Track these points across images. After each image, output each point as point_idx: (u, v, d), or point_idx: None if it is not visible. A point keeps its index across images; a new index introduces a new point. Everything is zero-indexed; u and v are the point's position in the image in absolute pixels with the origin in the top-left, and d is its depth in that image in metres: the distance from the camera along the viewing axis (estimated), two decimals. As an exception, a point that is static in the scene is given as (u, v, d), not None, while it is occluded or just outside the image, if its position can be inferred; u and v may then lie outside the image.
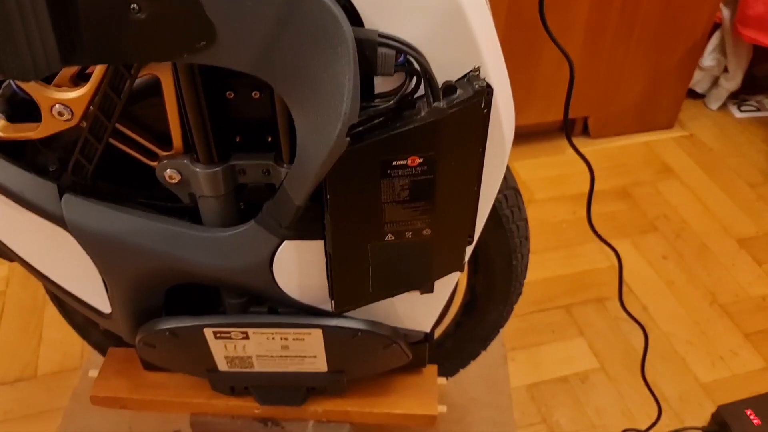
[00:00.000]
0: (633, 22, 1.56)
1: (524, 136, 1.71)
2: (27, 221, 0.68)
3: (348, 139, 0.53)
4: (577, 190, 1.59)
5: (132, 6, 0.50)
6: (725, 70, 1.83)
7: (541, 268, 1.39)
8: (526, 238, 0.79)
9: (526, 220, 0.78)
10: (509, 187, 0.75)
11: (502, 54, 0.61)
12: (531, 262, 1.40)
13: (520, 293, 0.86)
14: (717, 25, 1.74)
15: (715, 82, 1.88)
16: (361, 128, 0.55)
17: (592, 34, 1.55)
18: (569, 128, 0.78)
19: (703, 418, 1.14)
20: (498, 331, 0.90)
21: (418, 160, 0.58)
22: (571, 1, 1.46)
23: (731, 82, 1.83)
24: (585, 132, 1.77)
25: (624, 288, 1.35)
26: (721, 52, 1.79)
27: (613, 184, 1.62)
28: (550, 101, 1.63)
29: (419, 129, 0.56)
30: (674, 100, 1.77)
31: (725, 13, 1.72)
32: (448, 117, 0.56)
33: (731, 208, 1.57)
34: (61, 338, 1.20)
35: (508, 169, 0.75)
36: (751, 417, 1.08)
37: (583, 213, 1.50)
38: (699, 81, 1.87)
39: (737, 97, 1.91)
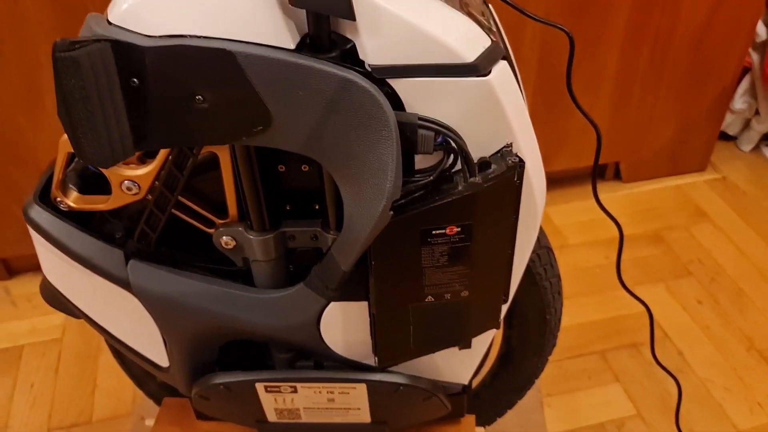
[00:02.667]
0: (662, 68, 1.60)
1: (556, 181, 1.74)
2: (94, 283, 0.73)
3: (391, 212, 0.58)
4: (609, 234, 1.61)
5: (197, 97, 0.56)
6: (756, 112, 1.84)
7: (575, 314, 1.41)
8: (559, 294, 0.83)
9: (558, 277, 0.82)
10: (542, 247, 0.79)
11: (531, 127, 0.65)
12: (564, 307, 1.42)
13: (554, 345, 0.89)
14: (746, 69, 1.77)
15: (746, 125, 1.89)
16: (403, 201, 0.60)
17: (621, 80, 1.58)
18: (596, 186, 0.82)
19: (742, 466, 1.14)
20: (533, 382, 0.92)
21: (456, 229, 0.62)
22: (600, 49, 1.51)
23: (763, 125, 1.85)
24: (617, 176, 1.79)
25: (659, 333, 1.37)
26: (751, 96, 1.81)
27: (645, 228, 1.64)
28: (581, 147, 1.66)
29: (457, 201, 0.60)
30: (706, 143, 1.79)
31: (754, 57, 1.74)
32: (483, 190, 0.60)
33: (766, 251, 1.57)
34: (114, 385, 1.26)
35: (540, 229, 0.78)
36: (791, 465, 1.08)
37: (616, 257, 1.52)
38: (730, 123, 1.89)
39: (770, 139, 1.92)
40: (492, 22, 0.70)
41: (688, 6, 1.50)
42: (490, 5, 0.72)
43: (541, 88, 1.54)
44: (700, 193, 1.77)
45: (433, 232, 0.62)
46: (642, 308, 1.20)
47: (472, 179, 0.59)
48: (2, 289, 1.47)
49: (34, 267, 1.43)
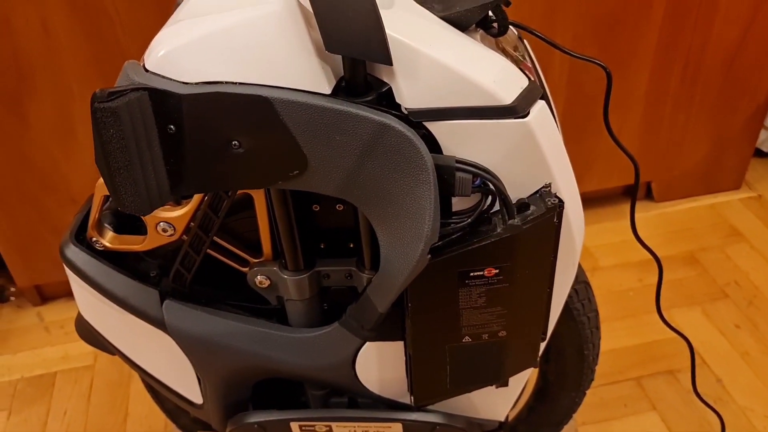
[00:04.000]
0: (694, 87, 1.57)
1: (587, 201, 1.71)
2: (128, 322, 0.73)
3: (429, 256, 0.57)
4: (642, 256, 1.57)
5: (233, 143, 0.55)
6: (791, 129, 1.81)
7: (609, 339, 1.39)
8: (597, 328, 0.81)
9: (596, 311, 0.80)
10: (579, 281, 0.77)
11: (569, 164, 0.64)
12: (599, 332, 1.40)
13: (592, 380, 0.87)
14: (780, 86, 1.73)
15: (781, 141, 1.86)
16: (440, 243, 0.59)
17: (652, 99, 1.56)
18: (635, 223, 0.80)
19: (786, 499, 1.11)
20: (570, 417, 0.91)
21: (494, 271, 0.61)
22: (630, 68, 1.49)
23: (798, 141, 1.81)
24: (648, 195, 1.77)
25: (696, 359, 1.33)
26: (786, 112, 1.77)
27: (679, 249, 1.61)
28: (611, 168, 1.64)
29: (495, 243, 0.59)
30: (740, 161, 1.76)
31: (788, 73, 1.71)
32: (522, 232, 0.59)
33: (805, 272, 1.53)
34: (146, 412, 1.26)
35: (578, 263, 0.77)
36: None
37: (650, 280, 1.49)
38: (765, 140, 1.85)
39: (806, 155, 1.88)
40: (527, 56, 0.69)
41: (720, 24, 1.48)
42: (524, 40, 0.71)
43: (570, 109, 1.52)
44: (735, 212, 1.73)
45: (471, 273, 0.61)
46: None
47: (510, 221, 0.58)
48: (36, 315, 1.49)
49: (67, 293, 1.44)
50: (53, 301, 1.51)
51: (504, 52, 0.65)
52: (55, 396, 1.32)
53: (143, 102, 0.53)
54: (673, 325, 1.17)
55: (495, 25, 0.61)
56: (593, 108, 1.53)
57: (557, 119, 0.70)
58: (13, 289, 1.49)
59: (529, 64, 0.68)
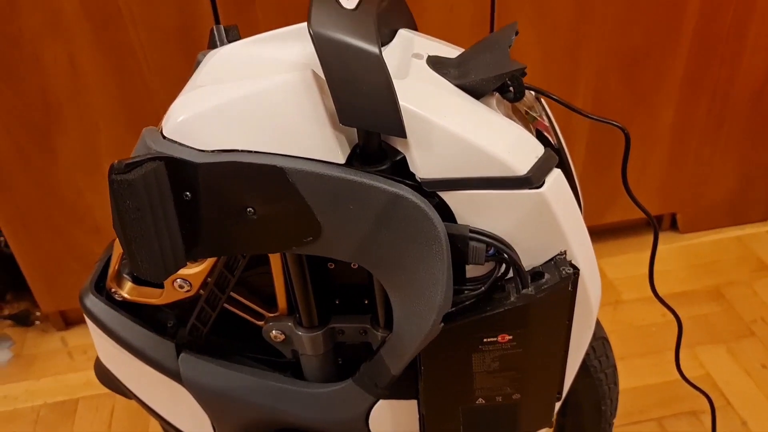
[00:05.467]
0: (722, 119, 1.55)
1: (610, 232, 1.70)
2: (145, 371, 0.74)
3: (442, 324, 0.57)
4: (666, 290, 1.56)
5: (248, 209, 0.56)
6: (822, 159, 1.77)
7: (631, 376, 1.37)
8: (615, 384, 0.80)
9: (614, 367, 0.79)
10: (597, 338, 0.77)
11: (586, 230, 0.63)
12: (620, 369, 1.37)
13: (610, 433, 0.86)
14: (811, 116, 1.70)
15: (811, 171, 1.82)
16: (453, 309, 0.59)
17: (679, 132, 1.54)
18: (653, 278, 0.79)
19: None
20: (589, 468, 0.89)
21: (508, 337, 0.61)
22: (656, 101, 1.47)
23: (829, 172, 1.77)
24: (674, 227, 1.74)
25: (720, 401, 1.31)
26: (816, 143, 1.74)
27: (705, 283, 1.58)
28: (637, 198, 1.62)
29: (509, 312, 0.59)
30: (768, 192, 1.73)
31: (819, 104, 1.68)
32: (536, 300, 0.58)
33: (835, 309, 1.50)
34: (164, 443, 1.27)
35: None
36: None
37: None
38: (794, 170, 1.81)
39: (837, 185, 1.84)
40: (544, 115, 0.69)
41: (749, 55, 1.46)
42: (541, 99, 0.71)
43: (594, 142, 1.51)
44: (763, 244, 1.70)
45: (485, 340, 0.61)
46: (701, 371, 1.14)
47: (524, 291, 0.58)
48: (59, 340, 1.51)
49: (91, 319, 1.46)
50: (77, 326, 1.53)
51: (520, 114, 0.64)
52: (77, 423, 1.34)
53: (159, 172, 0.54)
54: (697, 363, 1.16)
55: (511, 89, 0.61)
56: (618, 139, 1.51)
57: (575, 173, 0.70)
58: (38, 314, 1.52)
59: (546, 123, 0.68)
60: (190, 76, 0.64)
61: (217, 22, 1.19)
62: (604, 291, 1.58)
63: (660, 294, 1.54)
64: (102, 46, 1.16)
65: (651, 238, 1.68)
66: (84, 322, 1.52)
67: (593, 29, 1.34)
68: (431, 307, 0.56)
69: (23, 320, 1.53)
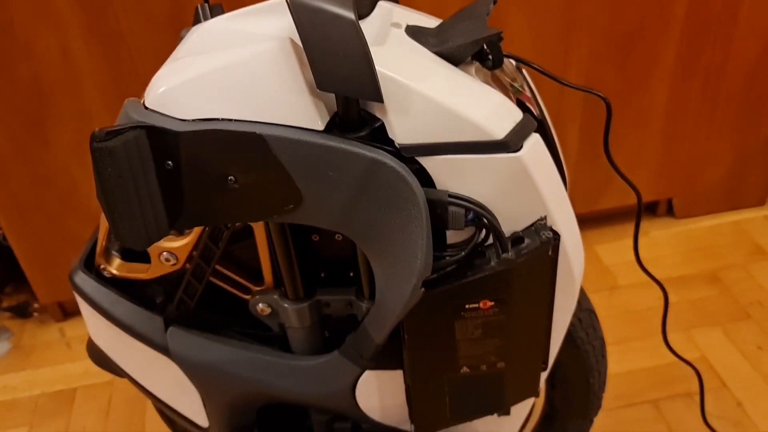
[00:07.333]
0: (716, 102, 1.55)
1: (606, 218, 1.70)
2: (135, 347, 0.75)
3: (422, 289, 0.58)
4: (662, 274, 1.55)
5: (229, 178, 0.56)
6: (818, 143, 1.77)
7: (626, 360, 1.37)
8: (603, 356, 0.80)
9: (602, 339, 0.79)
10: (583, 309, 0.77)
11: (567, 197, 0.64)
12: (616, 353, 1.38)
13: (599, 407, 0.86)
14: (806, 100, 1.70)
15: (808, 156, 1.82)
16: (434, 276, 0.59)
17: (672, 115, 1.54)
18: (638, 251, 0.80)
19: None
20: (579, 443, 0.90)
21: (490, 304, 0.61)
22: (649, 83, 1.47)
23: (826, 156, 1.77)
24: (669, 212, 1.74)
25: (716, 383, 1.31)
26: (812, 126, 1.74)
27: (701, 267, 1.58)
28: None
29: (489, 277, 0.59)
30: (764, 177, 1.72)
31: (814, 87, 1.67)
32: (516, 266, 0.59)
33: (832, 291, 1.50)
34: (163, 429, 1.28)
35: (582, 291, 0.77)
36: None
37: (672, 299, 1.47)
38: (790, 155, 1.81)
39: (834, 169, 1.84)
40: (526, 86, 0.69)
41: (741, 38, 1.46)
42: (523, 70, 0.71)
43: (587, 128, 1.51)
44: (759, 229, 1.70)
45: (467, 306, 0.61)
46: (697, 354, 1.15)
47: (504, 255, 0.58)
48: (57, 330, 1.52)
49: (88, 309, 1.47)
50: (75, 316, 1.54)
51: (501, 84, 0.65)
52: (75, 411, 1.35)
53: (141, 140, 0.54)
54: (692, 345, 1.16)
55: (490, 57, 0.62)
56: (613, 124, 1.51)
57: (559, 148, 0.70)
58: (36, 305, 1.53)
59: (528, 95, 0.68)
60: (176, 53, 0.64)
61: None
62: (600, 277, 1.58)
63: (657, 278, 1.54)
64: (94, 34, 1.17)
65: (645, 224, 1.68)
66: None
67: (585, 12, 1.35)
68: (411, 272, 0.56)
69: (22, 312, 1.54)
